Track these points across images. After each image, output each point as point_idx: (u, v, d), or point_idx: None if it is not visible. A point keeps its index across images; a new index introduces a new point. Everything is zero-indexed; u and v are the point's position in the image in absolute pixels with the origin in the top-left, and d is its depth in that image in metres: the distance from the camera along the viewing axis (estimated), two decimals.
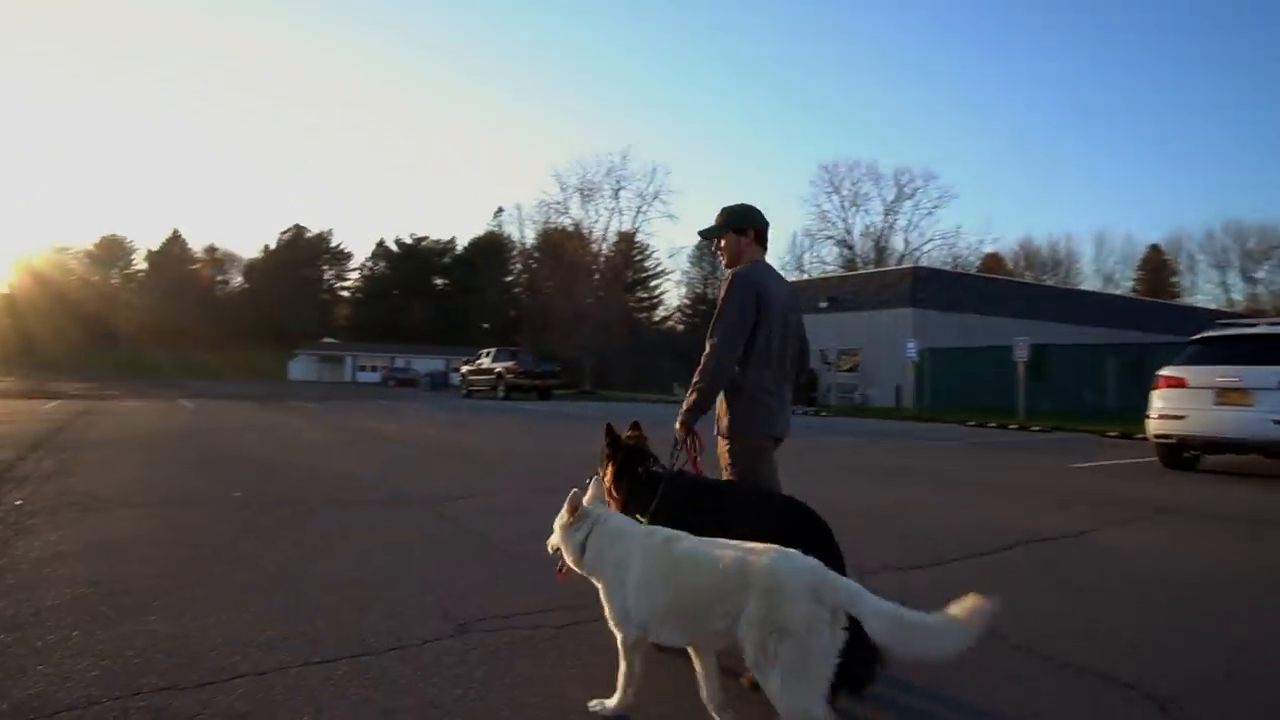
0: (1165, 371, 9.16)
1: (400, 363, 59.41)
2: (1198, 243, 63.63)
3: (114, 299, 70.55)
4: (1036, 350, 19.11)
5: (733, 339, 2.97)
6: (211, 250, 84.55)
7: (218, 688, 2.52)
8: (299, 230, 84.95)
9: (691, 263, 75.31)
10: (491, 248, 77.98)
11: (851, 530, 5.31)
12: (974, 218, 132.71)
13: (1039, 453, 11.87)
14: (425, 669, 2.72)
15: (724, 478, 3.08)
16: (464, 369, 34.05)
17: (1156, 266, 68.40)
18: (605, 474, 2.86)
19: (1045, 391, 20.29)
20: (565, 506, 2.43)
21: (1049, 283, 51.58)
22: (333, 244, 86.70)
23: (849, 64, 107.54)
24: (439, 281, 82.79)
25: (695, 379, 3.00)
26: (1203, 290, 63.02)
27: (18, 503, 5.56)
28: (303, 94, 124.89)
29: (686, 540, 2.21)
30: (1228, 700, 2.69)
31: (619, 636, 2.29)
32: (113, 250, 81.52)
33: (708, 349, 2.98)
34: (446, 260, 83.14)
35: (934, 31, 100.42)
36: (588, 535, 2.36)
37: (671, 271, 71.16)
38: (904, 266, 37.06)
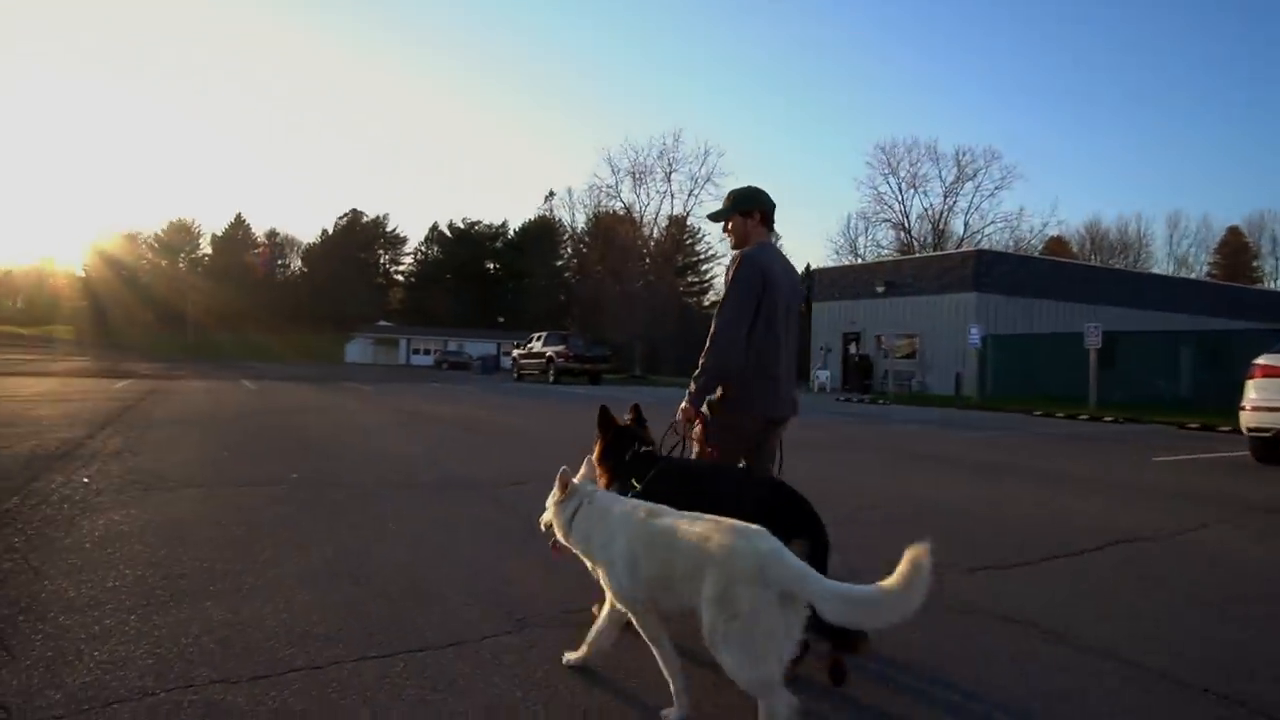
0: (1263, 360, 8.53)
1: (453, 346, 60.24)
2: None
3: (181, 282, 73.08)
4: (1107, 337, 18.22)
5: (739, 319, 3.00)
6: (272, 234, 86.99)
7: (271, 683, 2.41)
8: (356, 215, 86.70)
9: None
10: (542, 232, 78.33)
11: (937, 525, 5.09)
12: (1038, 199, 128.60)
13: (1116, 445, 11.27)
14: (484, 667, 2.58)
15: (692, 451, 3.10)
16: (515, 352, 34.28)
17: (1236, 249, 65.00)
18: (594, 452, 2.91)
19: (1116, 380, 19.36)
20: (556, 484, 2.49)
21: (1117, 267, 49.40)
22: (388, 228, 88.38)
23: (908, 41, 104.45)
24: (491, 265, 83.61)
25: (703, 360, 3.02)
26: None
27: (85, 480, 5.65)
28: (361, 82, 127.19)
29: (665, 515, 2.25)
30: None
31: (631, 616, 2.30)
32: (180, 235, 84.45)
33: (714, 329, 3.01)
34: (498, 244, 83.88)
35: (997, 4, 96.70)
36: (575, 511, 2.43)
37: (722, 256, 70.12)
38: (967, 250, 35.77)
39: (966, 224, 55.62)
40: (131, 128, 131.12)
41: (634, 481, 2.70)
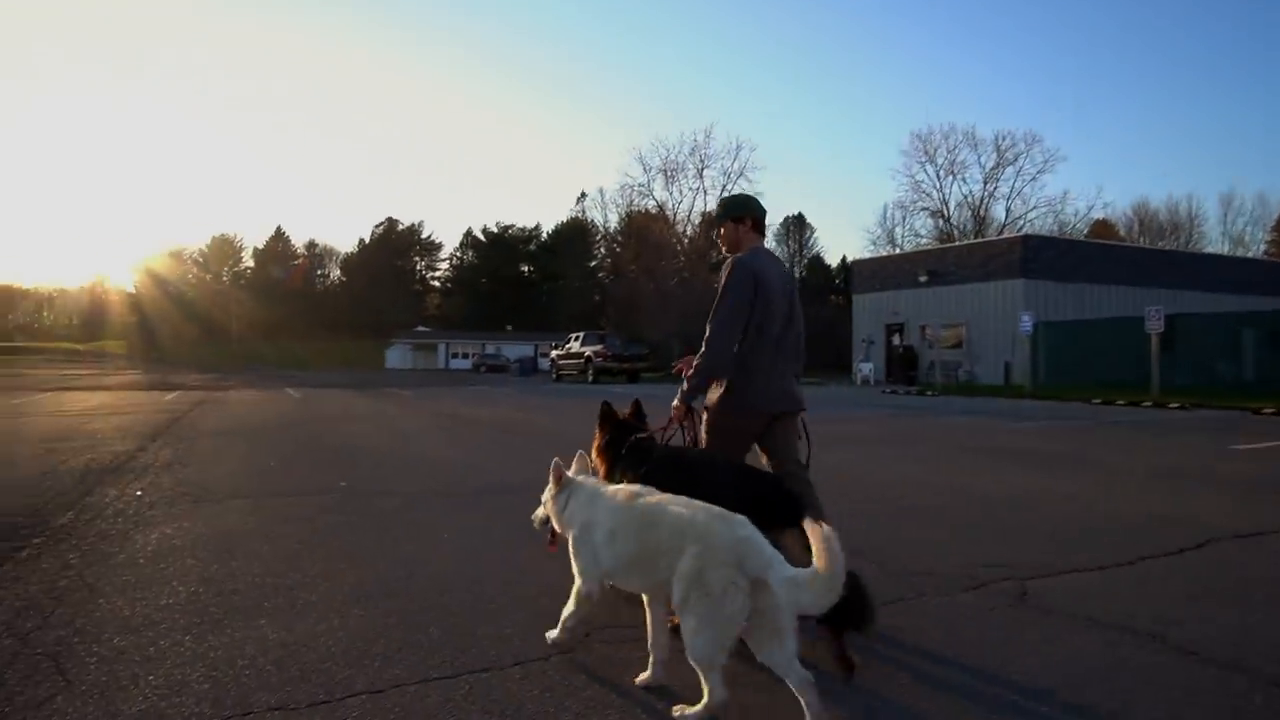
0: None
1: (490, 349, 60.63)
2: None
3: (225, 296, 74.83)
4: (1165, 321, 17.47)
5: (732, 321, 3.12)
6: (311, 245, 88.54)
7: (331, 709, 2.27)
8: (391, 223, 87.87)
9: (778, 241, 73.77)
10: (575, 233, 78.46)
11: (1012, 523, 4.79)
12: (1083, 182, 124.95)
13: (1188, 432, 10.73)
14: (553, 690, 2.40)
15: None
16: (553, 353, 34.31)
17: None
18: (595, 443, 3.09)
19: (1176, 365, 18.55)
20: (551, 478, 2.63)
21: (1167, 248, 47.69)
22: (423, 235, 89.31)
23: (941, 25, 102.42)
24: (525, 269, 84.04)
25: (696, 360, 3.16)
26: None
27: (138, 493, 5.65)
28: (392, 91, 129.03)
29: (648, 496, 2.39)
30: None
31: (578, 584, 2.52)
32: (223, 249, 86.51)
33: (709, 332, 3.13)
34: (532, 247, 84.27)
35: None
36: (568, 501, 2.57)
37: None
38: (1013, 235, 34.72)
39: (1008, 210, 54.26)
40: (176, 147, 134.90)
41: (629, 471, 2.81)
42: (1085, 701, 2.35)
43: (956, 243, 40.40)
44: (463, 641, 2.80)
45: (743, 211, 3.37)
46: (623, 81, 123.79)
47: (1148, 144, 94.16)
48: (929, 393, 21.03)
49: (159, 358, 53.18)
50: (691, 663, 2.13)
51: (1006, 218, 53.72)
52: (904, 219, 58.30)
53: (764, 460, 3.28)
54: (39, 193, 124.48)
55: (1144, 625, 2.97)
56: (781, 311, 3.23)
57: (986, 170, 54.37)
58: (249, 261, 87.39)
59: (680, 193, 52.68)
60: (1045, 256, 26.47)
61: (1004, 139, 53.18)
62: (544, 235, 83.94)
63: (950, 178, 55.35)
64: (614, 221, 62.95)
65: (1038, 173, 52.36)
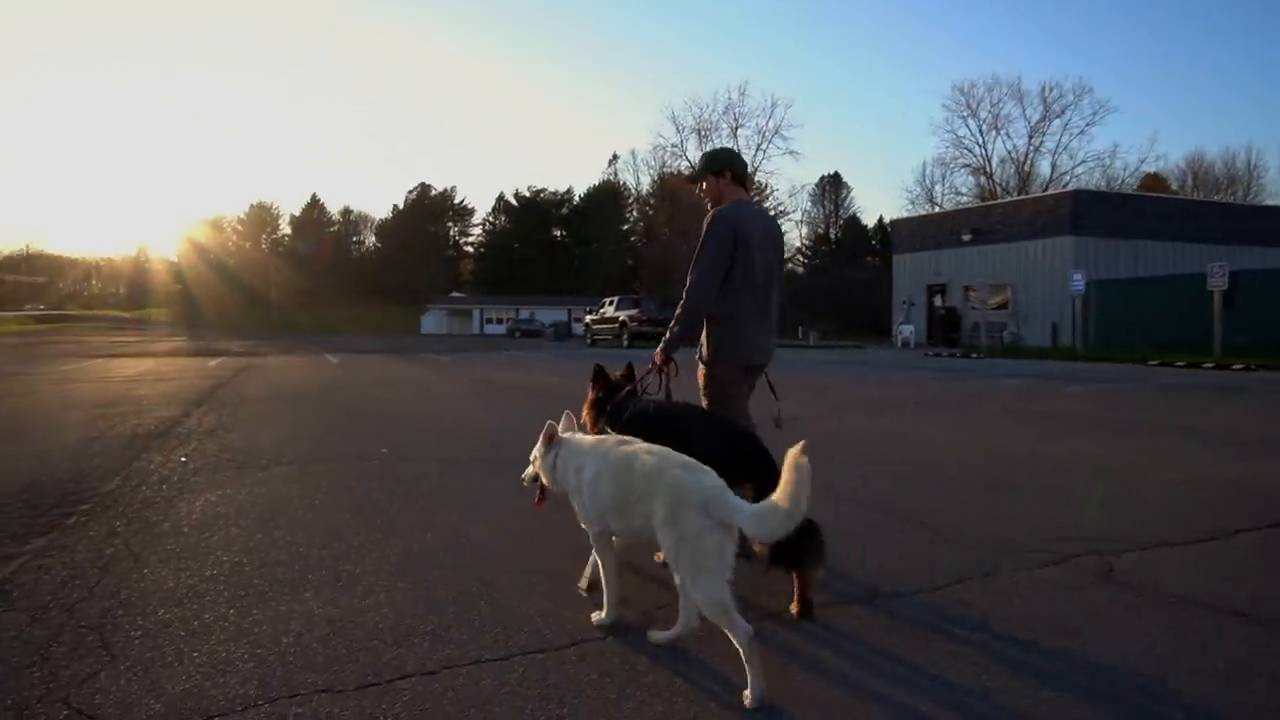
0: None
1: (524, 314, 60.76)
2: None
3: (263, 263, 75.89)
4: (1230, 277, 16.67)
5: (711, 271, 3.19)
6: (346, 212, 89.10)
7: (381, 691, 2.15)
8: (424, 189, 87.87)
9: (813, 201, 72.33)
10: (607, 196, 77.71)
11: (1079, 492, 4.44)
12: (1134, 135, 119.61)
13: (1258, 396, 10.24)
14: (613, 674, 2.26)
15: (702, 401, 3.31)
16: (588, 318, 34.16)
17: None
18: (587, 402, 3.24)
19: (1238, 323, 17.73)
20: (541, 437, 2.72)
21: (1224, 201, 45.63)
22: (456, 200, 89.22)
23: None
24: (557, 233, 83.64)
25: (677, 310, 3.26)
26: None
27: (183, 460, 5.64)
28: (421, 54, 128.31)
29: (628, 445, 2.52)
30: None
31: (591, 533, 2.62)
32: (261, 217, 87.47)
33: (688, 283, 3.21)
34: (564, 211, 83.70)
35: None
36: (556, 457, 2.67)
37: (792, 211, 68.04)
38: (1061, 191, 33.41)
39: (1054, 165, 52.35)
40: (215, 117, 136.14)
41: (612, 425, 2.97)
42: (1182, 689, 2.15)
43: (1001, 200, 39.07)
44: (513, 619, 2.67)
45: (720, 164, 3.42)
46: (654, 40, 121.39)
47: (1204, 92, 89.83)
48: (974, 355, 20.49)
49: (201, 324, 54.28)
50: (709, 616, 2.17)
51: (1052, 173, 51.89)
52: (944, 176, 56.73)
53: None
54: (86, 165, 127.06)
55: (1243, 605, 2.74)
56: (764, 264, 3.28)
57: (1032, 124, 52.44)
58: (286, 229, 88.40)
59: None
60: (1096, 212, 25.45)
61: (1051, 90, 51.21)
62: (576, 199, 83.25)
63: (993, 132, 53.52)
64: (646, 184, 62.26)
65: (1086, 125, 50.49)
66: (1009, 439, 6.69)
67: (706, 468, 2.30)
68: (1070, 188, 40.06)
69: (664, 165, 52.63)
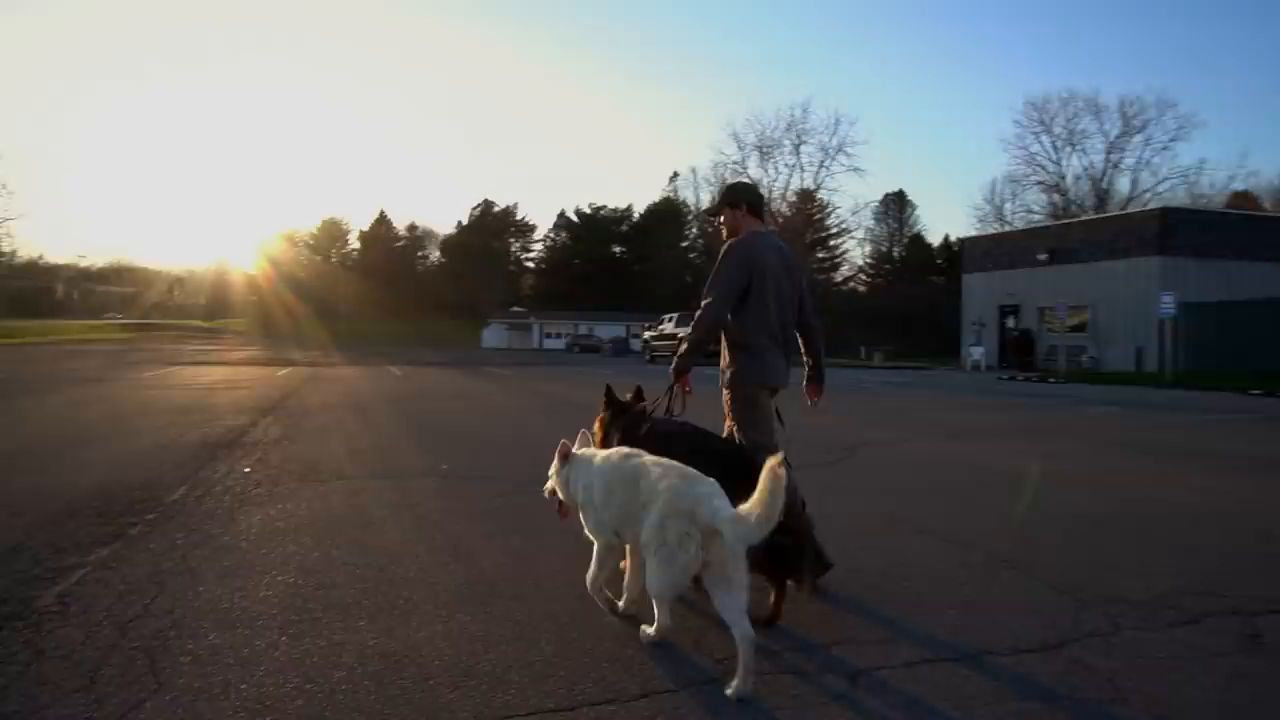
0: None
1: (584, 329, 61.03)
2: None
3: (333, 276, 78.35)
4: None
5: (724, 298, 3.30)
6: (412, 228, 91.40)
7: None
8: (488, 205, 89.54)
9: (876, 219, 70.90)
10: (667, 213, 77.80)
11: (1202, 539, 4.00)
12: (1223, 150, 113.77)
13: None
14: None
15: (725, 423, 3.42)
16: (646, 334, 33.99)
17: None
18: (597, 421, 3.41)
19: None
20: (556, 455, 2.92)
21: None
22: (518, 217, 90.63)
23: None
24: (617, 249, 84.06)
25: (689, 331, 3.41)
26: None
27: (247, 470, 5.63)
28: (486, 73, 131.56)
29: (633, 459, 2.69)
30: None
31: (597, 543, 2.80)
32: (332, 232, 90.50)
33: (702, 307, 3.33)
34: (624, 228, 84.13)
35: None
36: (569, 473, 2.86)
37: (855, 229, 66.70)
38: (1148, 209, 31.79)
39: (1134, 181, 49.99)
40: (291, 137, 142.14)
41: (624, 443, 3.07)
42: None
43: (1079, 217, 37.46)
44: (579, 661, 2.45)
45: (737, 197, 3.56)
46: (717, 57, 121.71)
47: None
48: (1052, 379, 19.49)
49: (274, 335, 56.27)
50: (650, 596, 2.49)
51: (1132, 190, 49.56)
52: (1015, 194, 54.71)
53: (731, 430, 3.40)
54: (173, 183, 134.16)
55: None
56: (778, 292, 3.38)
57: (1110, 139, 50.23)
58: (355, 244, 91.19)
59: (775, 170, 51.18)
60: (1186, 231, 24.02)
61: (1131, 105, 48.91)
62: (636, 216, 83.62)
63: (1069, 148, 51.46)
64: (706, 200, 61.92)
65: (1170, 140, 47.93)
66: (1113, 473, 6.19)
67: (706, 478, 2.49)
68: (1152, 205, 38.21)
69: (724, 182, 52.24)
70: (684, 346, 3.38)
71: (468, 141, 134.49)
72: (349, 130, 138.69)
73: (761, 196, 3.74)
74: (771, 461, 2.18)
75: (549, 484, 2.97)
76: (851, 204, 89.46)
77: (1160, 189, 48.42)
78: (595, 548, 2.82)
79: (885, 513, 4.67)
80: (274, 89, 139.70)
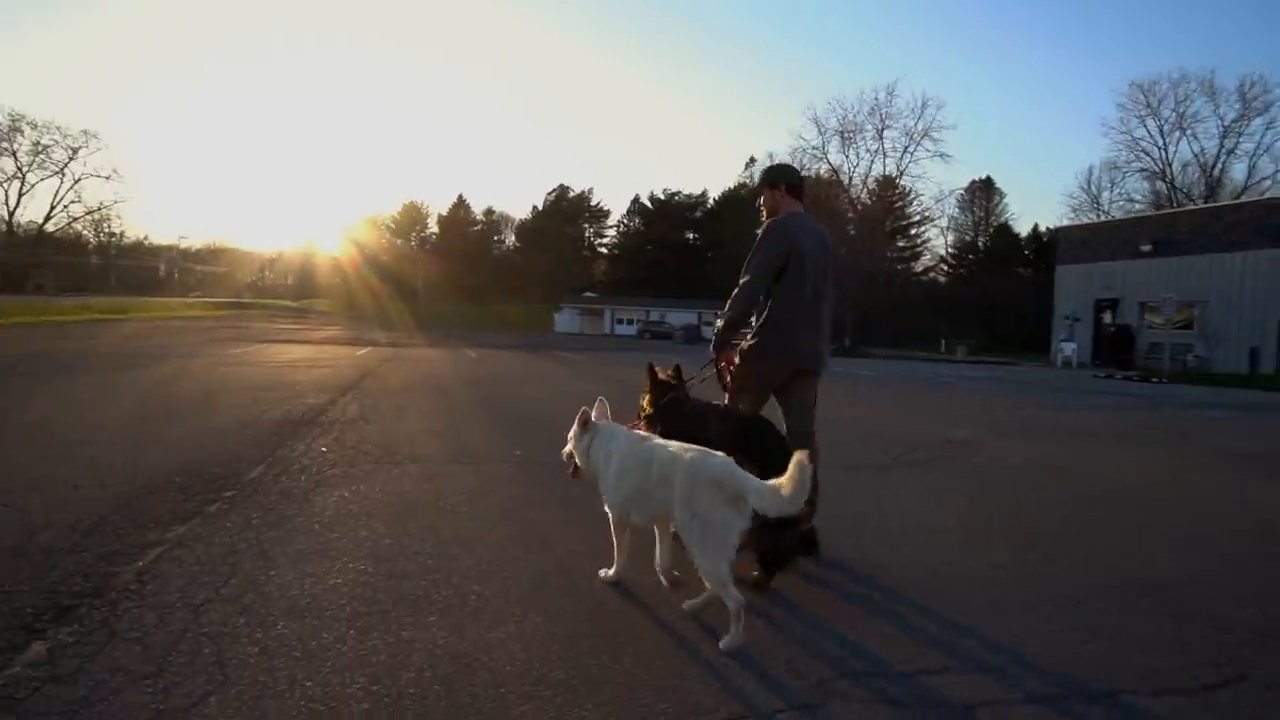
0: None
1: (655, 315, 60.92)
2: None
3: (412, 259, 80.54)
4: None
5: (760, 278, 3.39)
6: (489, 212, 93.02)
7: None
8: (563, 190, 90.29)
9: (961, 207, 68.16)
10: (743, 200, 76.73)
11: None
12: None
13: None
14: None
15: (726, 396, 3.54)
16: (718, 322, 33.59)
17: None
18: (644, 399, 3.49)
19: None
20: (577, 421, 2.97)
21: None
22: (593, 202, 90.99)
23: None
24: (690, 235, 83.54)
25: (726, 309, 3.47)
26: None
27: (324, 450, 5.65)
28: (562, 59, 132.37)
29: (650, 441, 2.84)
30: None
31: (611, 516, 2.91)
32: (411, 216, 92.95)
33: (739, 285, 3.42)
34: (698, 214, 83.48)
35: None
36: (590, 443, 2.93)
37: (938, 217, 64.22)
38: (1269, 198, 29.41)
39: (1251, 168, 46.39)
40: (375, 123, 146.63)
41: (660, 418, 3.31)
42: None
43: (1187, 206, 34.98)
44: (661, 674, 2.25)
45: (776, 179, 3.64)
46: (797, 40, 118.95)
47: None
48: (1154, 379, 18.23)
49: (356, 315, 58.23)
50: (709, 584, 2.50)
51: (1249, 178, 46.01)
52: (1114, 182, 51.61)
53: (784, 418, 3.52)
54: (267, 168, 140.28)
55: None
56: (815, 274, 3.45)
57: (1226, 123, 46.69)
58: (434, 228, 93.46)
59: (857, 156, 49.59)
60: None
61: (1253, 86, 45.30)
62: (710, 202, 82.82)
63: (1177, 133, 48.13)
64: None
65: None
66: (1247, 488, 5.61)
67: (720, 453, 2.60)
68: (1271, 194, 35.34)
69: (803, 168, 50.70)
70: (720, 324, 3.51)
71: (544, 128, 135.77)
72: (429, 119, 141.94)
73: (801, 177, 3.77)
74: (800, 454, 2.32)
75: (566, 448, 3.04)
76: (936, 191, 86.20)
77: None
78: (611, 522, 2.95)
79: (980, 520, 4.32)
80: (361, 86, 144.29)
